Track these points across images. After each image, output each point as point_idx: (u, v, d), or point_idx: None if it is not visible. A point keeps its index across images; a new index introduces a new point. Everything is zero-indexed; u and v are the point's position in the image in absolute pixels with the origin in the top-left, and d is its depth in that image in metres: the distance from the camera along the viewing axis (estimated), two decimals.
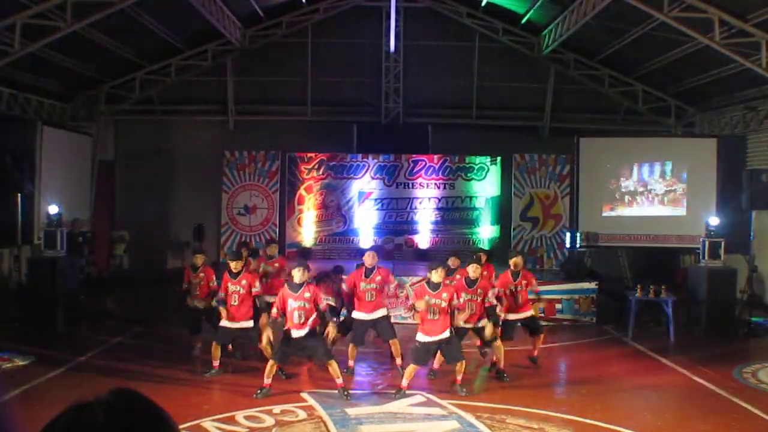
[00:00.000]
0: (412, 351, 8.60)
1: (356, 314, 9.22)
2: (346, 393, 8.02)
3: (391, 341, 9.33)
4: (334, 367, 8.09)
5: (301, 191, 17.14)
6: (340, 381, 8.11)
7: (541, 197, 17.04)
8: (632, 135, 16.28)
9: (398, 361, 9.17)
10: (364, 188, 17.13)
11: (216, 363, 9.00)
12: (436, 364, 8.97)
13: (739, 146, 14.77)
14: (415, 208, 17.16)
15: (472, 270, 8.76)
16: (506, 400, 8.06)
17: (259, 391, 8.07)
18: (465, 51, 17.48)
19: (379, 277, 9.16)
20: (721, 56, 12.22)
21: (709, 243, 12.15)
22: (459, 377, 8.29)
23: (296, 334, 8.11)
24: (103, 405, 1.24)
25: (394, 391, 8.17)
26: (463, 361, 8.30)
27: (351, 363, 9.34)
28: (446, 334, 8.14)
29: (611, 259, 16.36)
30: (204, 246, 16.56)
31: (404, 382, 8.15)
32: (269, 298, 9.52)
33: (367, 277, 9.14)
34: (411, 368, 8.17)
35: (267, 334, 8.48)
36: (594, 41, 15.56)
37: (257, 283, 9.20)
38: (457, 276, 9.35)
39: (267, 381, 8.12)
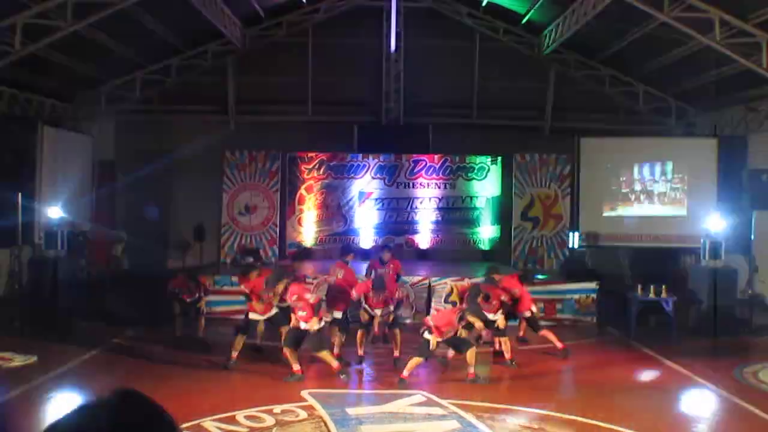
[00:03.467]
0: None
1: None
2: (343, 373, 8.57)
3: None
4: (325, 357, 8.61)
5: (302, 191, 17.13)
6: (335, 364, 8.61)
7: (541, 197, 17.01)
8: (633, 135, 16.25)
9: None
10: (365, 188, 17.11)
11: (235, 354, 9.21)
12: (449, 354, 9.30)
13: (739, 146, 14.75)
14: (416, 208, 17.14)
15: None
16: (506, 399, 8.06)
17: (290, 376, 8.49)
18: (465, 51, 17.46)
19: None
20: (721, 56, 12.21)
21: (710, 243, 12.15)
22: (471, 370, 8.54)
23: (305, 326, 8.66)
24: (106, 406, 1.24)
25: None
26: (473, 348, 8.60)
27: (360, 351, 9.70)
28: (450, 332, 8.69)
29: (611, 259, 16.33)
30: (204, 245, 16.64)
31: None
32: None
33: None
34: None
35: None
36: (595, 41, 15.54)
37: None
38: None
39: (296, 367, 8.55)
